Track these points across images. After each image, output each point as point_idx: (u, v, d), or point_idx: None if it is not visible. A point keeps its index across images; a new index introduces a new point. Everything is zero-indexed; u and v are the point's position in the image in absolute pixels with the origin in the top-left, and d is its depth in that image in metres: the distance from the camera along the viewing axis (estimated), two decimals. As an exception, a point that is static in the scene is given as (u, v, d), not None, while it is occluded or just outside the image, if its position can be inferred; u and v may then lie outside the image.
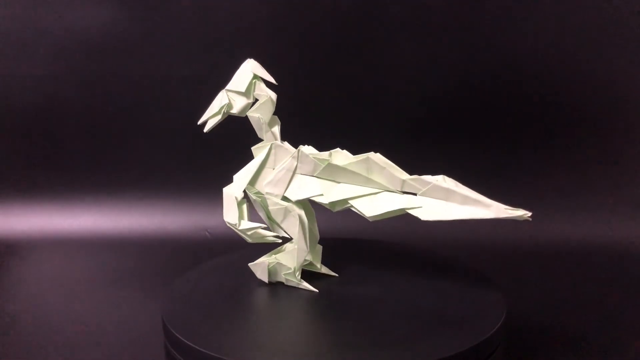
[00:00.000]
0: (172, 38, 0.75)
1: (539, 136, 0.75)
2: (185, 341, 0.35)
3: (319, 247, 0.45)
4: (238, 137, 0.77)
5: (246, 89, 0.41)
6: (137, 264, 0.66)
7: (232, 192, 0.42)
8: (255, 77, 0.41)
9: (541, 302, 0.55)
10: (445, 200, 0.37)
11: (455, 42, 0.73)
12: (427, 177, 0.38)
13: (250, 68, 0.41)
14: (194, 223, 0.75)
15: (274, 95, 0.41)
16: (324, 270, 0.45)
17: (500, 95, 0.74)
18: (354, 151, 0.41)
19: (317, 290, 0.42)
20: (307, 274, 0.44)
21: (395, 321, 0.38)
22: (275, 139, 0.42)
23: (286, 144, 0.42)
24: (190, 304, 0.41)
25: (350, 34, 0.74)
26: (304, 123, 0.75)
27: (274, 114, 0.42)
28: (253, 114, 0.42)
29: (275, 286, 0.44)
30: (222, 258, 0.50)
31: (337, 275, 0.45)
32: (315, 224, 0.44)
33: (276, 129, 0.42)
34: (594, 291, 0.58)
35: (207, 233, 0.74)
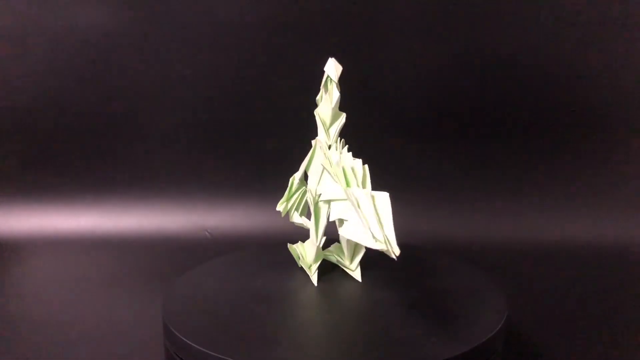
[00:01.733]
0: (172, 38, 0.75)
1: (540, 137, 0.75)
2: (186, 341, 0.35)
3: (359, 249, 0.45)
4: (238, 137, 0.77)
5: (322, 85, 0.43)
6: (138, 264, 0.66)
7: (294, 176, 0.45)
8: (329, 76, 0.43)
9: (542, 303, 0.55)
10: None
11: (457, 41, 0.73)
12: (356, 191, 0.37)
13: (325, 67, 0.43)
14: (194, 223, 0.75)
15: (334, 96, 0.42)
16: (355, 273, 0.45)
17: (502, 96, 0.74)
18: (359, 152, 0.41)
19: (315, 285, 0.43)
20: (338, 270, 0.45)
21: (395, 322, 0.38)
22: (327, 136, 0.43)
23: (338, 144, 0.43)
24: (191, 304, 0.41)
25: (349, 33, 0.74)
26: (306, 122, 0.75)
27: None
28: (317, 110, 0.44)
29: (277, 285, 0.44)
30: (223, 258, 0.50)
31: (360, 281, 0.44)
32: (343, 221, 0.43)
33: (334, 127, 0.43)
34: (595, 291, 0.58)
35: (207, 233, 0.74)
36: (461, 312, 0.39)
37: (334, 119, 0.43)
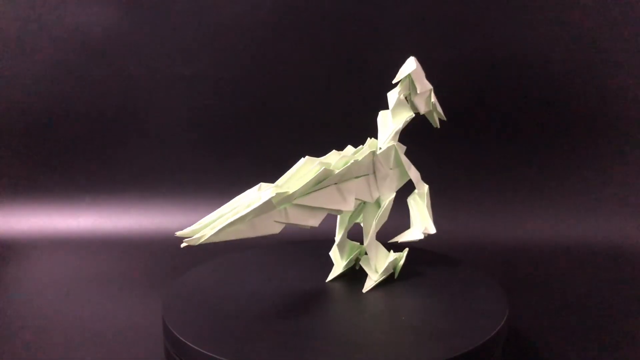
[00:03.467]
0: (172, 38, 0.75)
1: (540, 137, 0.75)
2: (185, 341, 0.35)
3: (385, 259, 0.44)
4: (238, 137, 0.77)
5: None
6: (137, 264, 0.66)
7: None
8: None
9: (542, 303, 0.55)
10: None
11: (457, 40, 0.73)
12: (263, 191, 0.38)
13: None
14: (193, 223, 0.75)
15: (390, 98, 0.42)
16: (370, 284, 0.43)
17: (502, 97, 0.74)
18: None
19: (326, 281, 0.44)
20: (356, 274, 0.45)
21: (396, 322, 0.38)
22: (380, 139, 0.43)
23: (390, 144, 0.42)
24: (191, 304, 0.41)
25: (348, 32, 0.74)
26: (305, 123, 0.75)
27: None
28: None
29: (277, 286, 0.44)
30: (223, 258, 0.50)
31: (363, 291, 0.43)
32: (368, 226, 0.42)
33: (387, 130, 0.43)
34: (595, 291, 0.58)
35: (207, 233, 0.74)
36: (461, 312, 0.39)
37: (395, 120, 0.42)
